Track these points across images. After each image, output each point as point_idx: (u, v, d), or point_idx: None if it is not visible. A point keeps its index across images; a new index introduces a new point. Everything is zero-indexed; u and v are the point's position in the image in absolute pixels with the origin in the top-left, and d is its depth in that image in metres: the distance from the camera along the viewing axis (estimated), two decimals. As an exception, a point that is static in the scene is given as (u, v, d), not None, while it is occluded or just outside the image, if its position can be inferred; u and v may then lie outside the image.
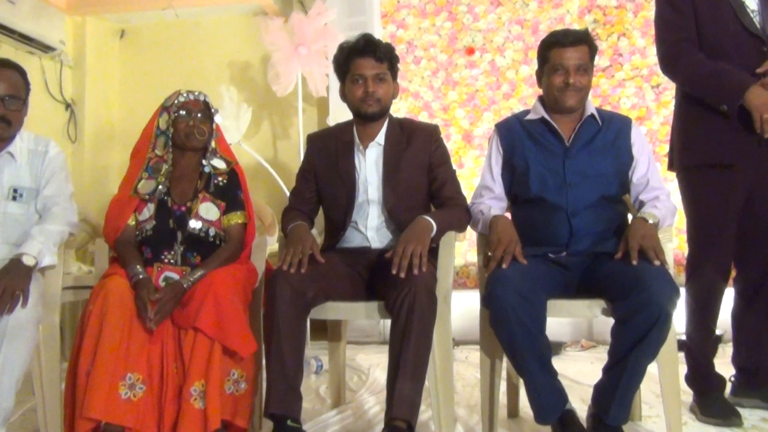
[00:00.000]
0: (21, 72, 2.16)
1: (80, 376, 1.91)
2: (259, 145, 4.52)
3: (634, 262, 1.89)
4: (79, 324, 2.01)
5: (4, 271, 1.91)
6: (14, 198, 2.14)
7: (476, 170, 4.14)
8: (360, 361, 3.32)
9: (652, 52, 4.03)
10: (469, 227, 2.28)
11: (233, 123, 3.81)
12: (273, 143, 4.71)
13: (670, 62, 2.33)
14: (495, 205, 2.22)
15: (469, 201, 2.30)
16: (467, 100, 4.27)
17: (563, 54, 2.12)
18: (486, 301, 1.95)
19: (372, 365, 3.17)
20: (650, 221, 1.99)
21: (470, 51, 4.29)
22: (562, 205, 2.11)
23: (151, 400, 1.96)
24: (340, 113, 3.65)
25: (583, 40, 2.14)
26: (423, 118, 4.25)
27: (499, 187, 2.26)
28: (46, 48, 4.31)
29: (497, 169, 2.27)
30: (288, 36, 3.92)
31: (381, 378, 2.89)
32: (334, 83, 3.95)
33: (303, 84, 4.06)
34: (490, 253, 2.02)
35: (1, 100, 2.08)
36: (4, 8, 3.89)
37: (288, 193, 3.97)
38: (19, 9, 4.00)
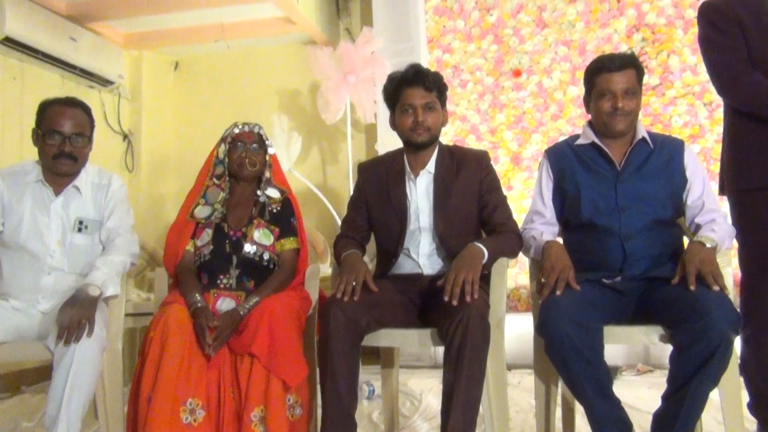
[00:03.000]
0: (86, 110, 2.27)
1: (141, 402, 1.97)
2: (309, 172, 4.60)
3: (692, 288, 1.85)
4: (140, 350, 2.07)
5: (71, 302, 1.99)
6: (80, 230, 2.23)
7: (525, 192, 4.13)
8: (412, 386, 3.32)
9: (704, 68, 3.95)
10: (521, 253, 2.27)
11: (284, 151, 3.89)
12: (322, 169, 4.79)
13: (727, 83, 2.27)
14: (547, 230, 2.22)
15: (519, 226, 2.29)
16: (515, 123, 4.26)
17: (610, 79, 2.11)
18: (540, 329, 1.94)
19: (424, 390, 3.16)
20: (708, 245, 1.95)
21: (517, 73, 4.29)
22: (615, 229, 2.09)
23: (210, 425, 2.01)
24: (388, 139, 3.70)
25: (630, 63, 2.13)
26: (470, 141, 4.27)
27: (550, 212, 2.25)
28: (105, 82, 4.50)
29: (548, 194, 2.26)
30: (336, 65, 4.00)
31: (433, 403, 2.89)
32: (382, 110, 4.02)
33: (351, 111, 4.12)
34: (543, 280, 2.02)
35: (68, 138, 2.18)
36: (67, 46, 4.08)
37: (338, 219, 4.04)
38: (80, 46, 4.20)
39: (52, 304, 2.14)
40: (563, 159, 2.24)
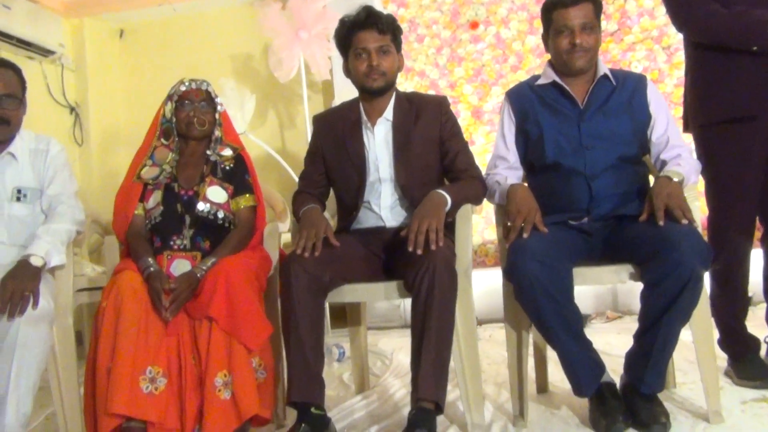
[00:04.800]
0: (16, 70, 2.12)
1: (100, 375, 1.86)
2: (267, 136, 4.46)
3: (661, 223, 1.80)
4: (94, 322, 1.96)
5: (12, 274, 1.87)
6: (18, 199, 2.10)
7: (488, 146, 4.06)
8: (383, 346, 3.27)
9: (661, 12, 3.92)
10: (485, 200, 2.21)
11: (237, 112, 3.74)
12: (280, 133, 4.65)
13: (684, 17, 2.22)
14: (511, 174, 2.16)
15: (483, 173, 2.22)
16: (474, 76, 4.18)
17: (566, 14, 2.04)
18: (508, 274, 1.89)
19: (395, 349, 3.11)
20: (675, 179, 1.90)
21: (474, 25, 4.19)
22: (580, 169, 2.03)
23: (173, 392, 1.92)
24: (345, 96, 3.55)
25: None
26: (430, 96, 4.17)
27: (513, 156, 2.19)
28: (45, 52, 4.25)
29: (511, 138, 2.20)
30: (287, 21, 3.84)
31: (404, 361, 2.84)
32: (338, 66, 3.89)
33: (306, 70, 3.99)
34: (509, 224, 1.96)
35: (-3, 100, 2.04)
36: (0, 14, 3.85)
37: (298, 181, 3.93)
38: (15, 14, 3.95)
39: (-7, 279, 2.01)
40: (524, 100, 2.17)
